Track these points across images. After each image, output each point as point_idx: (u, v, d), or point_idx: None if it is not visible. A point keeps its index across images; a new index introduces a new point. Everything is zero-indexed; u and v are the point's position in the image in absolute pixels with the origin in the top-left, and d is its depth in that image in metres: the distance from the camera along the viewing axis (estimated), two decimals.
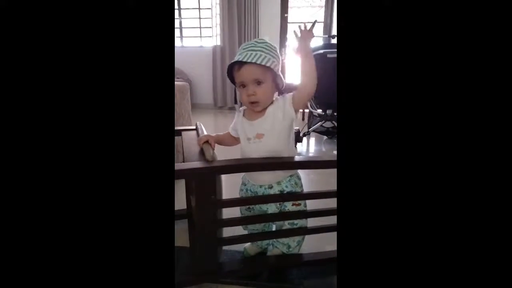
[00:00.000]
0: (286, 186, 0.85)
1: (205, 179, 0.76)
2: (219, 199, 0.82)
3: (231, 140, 0.91)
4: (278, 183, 0.84)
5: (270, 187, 0.85)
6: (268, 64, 0.74)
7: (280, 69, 0.80)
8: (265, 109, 0.80)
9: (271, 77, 0.78)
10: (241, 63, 0.76)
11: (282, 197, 0.85)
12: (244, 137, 0.84)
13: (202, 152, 0.83)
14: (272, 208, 0.87)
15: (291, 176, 0.86)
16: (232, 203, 0.84)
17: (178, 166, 0.72)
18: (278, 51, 0.79)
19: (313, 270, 0.94)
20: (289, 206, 0.87)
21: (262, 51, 0.75)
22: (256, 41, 0.78)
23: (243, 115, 0.86)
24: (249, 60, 0.73)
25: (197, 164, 0.76)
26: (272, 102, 0.81)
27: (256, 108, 0.80)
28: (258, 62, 0.73)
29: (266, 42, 0.78)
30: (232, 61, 0.77)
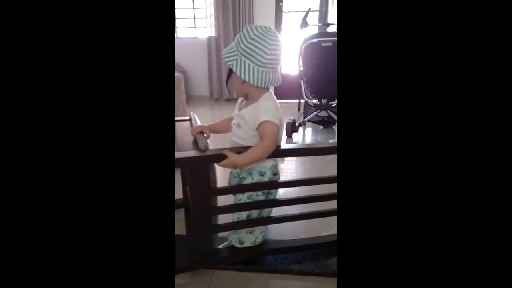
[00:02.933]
0: (252, 178, 0.86)
1: (198, 168, 0.77)
2: (213, 188, 0.83)
3: (229, 123, 0.91)
4: (249, 172, 0.86)
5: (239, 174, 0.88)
6: (229, 64, 0.79)
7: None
8: (253, 102, 0.82)
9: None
10: None
11: (276, 183, 0.87)
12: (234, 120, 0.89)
13: (195, 142, 0.84)
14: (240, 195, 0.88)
15: (261, 167, 0.85)
16: (225, 191, 0.86)
17: None
18: (246, 41, 0.76)
19: (308, 254, 0.97)
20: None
21: (232, 48, 0.79)
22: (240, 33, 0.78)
23: (241, 103, 0.89)
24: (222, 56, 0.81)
25: (190, 153, 0.78)
26: (262, 98, 0.81)
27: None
28: (226, 60, 0.80)
29: (239, 35, 0.77)
30: None
